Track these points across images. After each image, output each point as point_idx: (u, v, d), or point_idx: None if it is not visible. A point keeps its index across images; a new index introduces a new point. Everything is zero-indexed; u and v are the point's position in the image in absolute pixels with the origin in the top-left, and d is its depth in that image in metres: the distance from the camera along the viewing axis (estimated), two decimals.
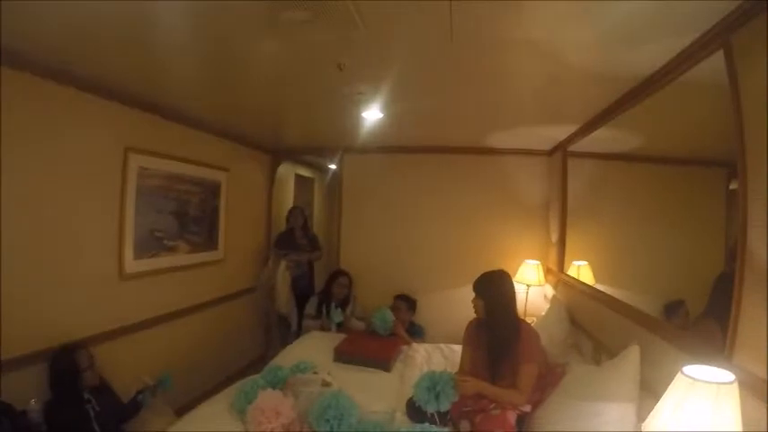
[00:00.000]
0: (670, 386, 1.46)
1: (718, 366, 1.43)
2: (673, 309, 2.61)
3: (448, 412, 2.54)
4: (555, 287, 4.40)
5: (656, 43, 2.01)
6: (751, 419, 1.35)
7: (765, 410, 1.39)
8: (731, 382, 1.33)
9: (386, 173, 5.23)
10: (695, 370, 1.43)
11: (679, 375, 1.43)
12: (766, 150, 1.53)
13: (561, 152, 4.37)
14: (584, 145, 3.88)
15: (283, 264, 5.24)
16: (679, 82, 2.16)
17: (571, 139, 4.05)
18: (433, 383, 2.55)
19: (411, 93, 3.13)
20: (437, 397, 2.51)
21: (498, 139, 4.54)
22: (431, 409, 2.50)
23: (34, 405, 2.51)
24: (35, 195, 2.68)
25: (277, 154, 5.70)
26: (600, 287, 3.48)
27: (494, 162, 5.01)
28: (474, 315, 2.87)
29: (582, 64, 2.36)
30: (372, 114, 3.58)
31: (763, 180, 1.57)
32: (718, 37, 1.76)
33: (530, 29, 1.99)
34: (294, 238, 5.47)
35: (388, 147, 5.00)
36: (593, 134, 3.53)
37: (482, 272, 2.84)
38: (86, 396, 2.69)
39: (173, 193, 3.85)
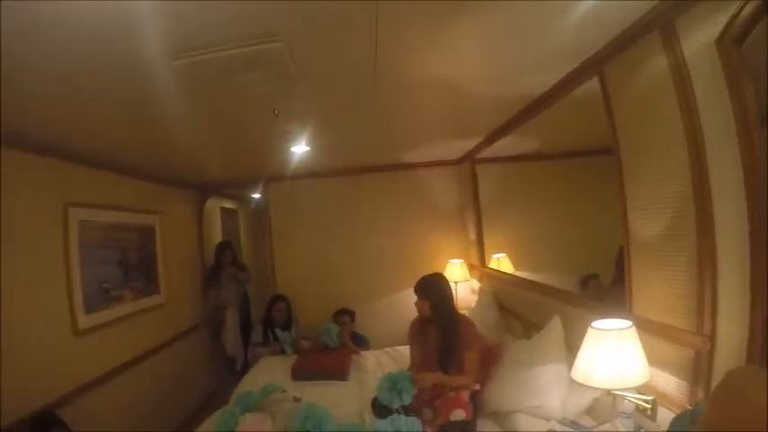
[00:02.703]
0: (584, 339, 1.91)
1: (624, 318, 1.89)
2: (586, 281, 3.16)
3: (409, 406, 2.88)
4: (480, 280, 4.91)
5: (543, 73, 2.52)
6: (651, 352, 1.82)
7: (657, 342, 1.89)
8: (629, 327, 1.80)
9: (311, 196, 5.48)
10: (602, 323, 1.88)
11: (590, 330, 1.89)
12: (636, 151, 2.08)
13: (470, 160, 4.89)
14: (490, 151, 4.39)
15: (230, 310, 5.46)
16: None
17: (478, 148, 4.55)
18: (392, 383, 2.88)
19: (336, 126, 3.47)
20: (399, 394, 2.85)
21: (413, 155, 4.95)
22: (396, 404, 2.82)
23: None
24: None
25: (204, 190, 5.81)
26: (520, 274, 3.98)
27: (410, 175, 5.43)
28: (413, 316, 3.27)
29: (483, 92, 2.81)
30: (300, 148, 3.84)
31: (634, 172, 2.09)
32: (595, 66, 2.28)
33: (440, 70, 2.41)
34: (222, 274, 5.64)
35: (312, 172, 5.24)
36: (497, 143, 4.04)
37: (414, 277, 3.22)
38: None
39: (113, 242, 3.88)
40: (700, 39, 1.64)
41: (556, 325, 2.69)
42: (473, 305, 4.50)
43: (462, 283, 5.00)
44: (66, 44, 1.70)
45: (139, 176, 4.36)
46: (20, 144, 2.84)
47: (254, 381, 3.79)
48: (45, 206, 3.15)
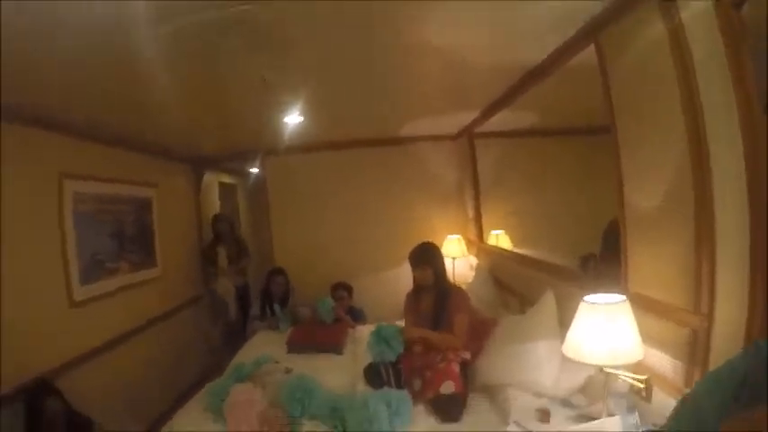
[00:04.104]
0: (576, 313, 1.82)
1: (618, 293, 1.82)
2: (586, 261, 3.12)
3: (401, 375, 2.86)
4: (477, 256, 4.85)
5: (539, 41, 2.42)
6: (646, 330, 1.75)
7: (652, 321, 1.83)
8: (623, 302, 1.73)
9: (308, 170, 5.42)
10: (595, 297, 1.80)
11: (582, 303, 1.80)
12: (632, 122, 1.99)
13: (467, 135, 4.79)
14: (488, 126, 4.29)
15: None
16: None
17: (476, 122, 4.44)
18: (380, 336, 2.91)
19: (331, 96, 3.37)
20: (388, 345, 2.86)
21: (410, 128, 4.83)
22: (386, 358, 2.84)
23: None
24: None
25: (200, 164, 5.73)
26: (518, 251, 3.93)
27: (408, 150, 5.33)
28: (408, 290, 3.24)
29: (479, 61, 2.72)
30: (293, 119, 3.73)
31: (631, 144, 2.01)
32: (591, 34, 2.18)
33: (436, 37, 2.31)
34: (221, 248, 5.53)
35: (309, 145, 5.15)
36: (494, 117, 3.94)
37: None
38: None
39: (108, 214, 3.85)
40: (698, 2, 1.55)
41: (549, 299, 2.63)
42: (470, 281, 4.45)
43: (460, 258, 4.95)
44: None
45: (134, 149, 4.29)
46: (14, 117, 2.82)
47: (250, 353, 3.81)
48: (40, 178, 3.15)
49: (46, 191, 3.20)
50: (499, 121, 3.95)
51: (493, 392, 2.62)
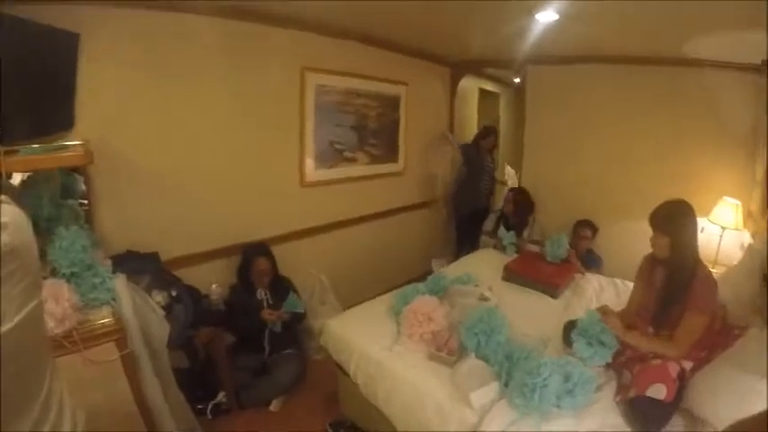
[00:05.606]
0: None
1: None
2: None
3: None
4: (754, 236, 3.88)
5: None
6: None
7: None
8: None
9: (571, 85, 4.90)
10: None
11: None
12: None
13: None
14: None
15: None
16: None
17: None
18: (585, 335, 2.54)
19: None
20: (600, 344, 2.48)
21: (698, 48, 3.76)
22: (599, 362, 2.47)
23: (215, 289, 3.18)
24: (225, 118, 3.24)
25: (458, 67, 5.61)
26: None
27: (691, 77, 4.26)
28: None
29: None
30: (547, 16, 3.25)
31: None
32: None
33: None
34: (480, 158, 5.51)
35: (572, 56, 4.61)
36: None
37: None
38: (261, 292, 3.34)
39: (351, 107, 4.15)
40: None
41: None
42: (734, 264, 3.60)
43: (731, 231, 4.07)
44: None
45: (385, 47, 4.40)
46: (261, 18, 3.29)
47: (468, 265, 3.95)
48: (284, 71, 3.60)
49: (290, 82, 3.63)
50: None
51: (694, 423, 2.13)
